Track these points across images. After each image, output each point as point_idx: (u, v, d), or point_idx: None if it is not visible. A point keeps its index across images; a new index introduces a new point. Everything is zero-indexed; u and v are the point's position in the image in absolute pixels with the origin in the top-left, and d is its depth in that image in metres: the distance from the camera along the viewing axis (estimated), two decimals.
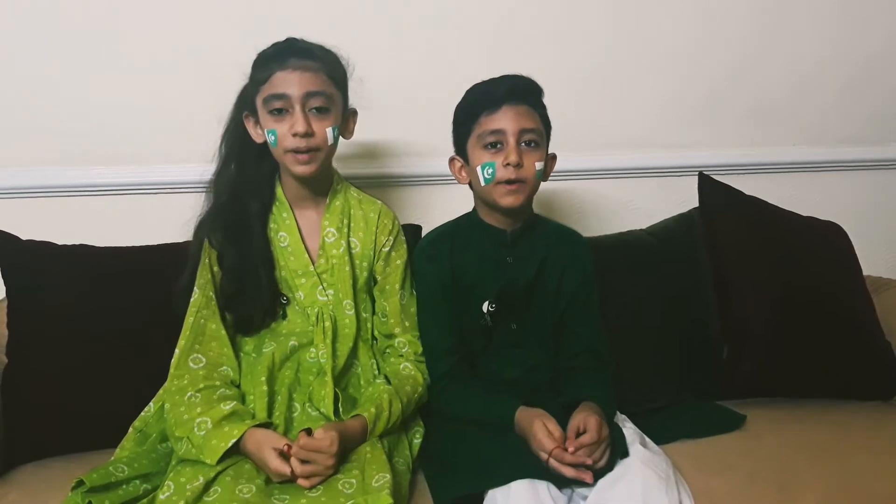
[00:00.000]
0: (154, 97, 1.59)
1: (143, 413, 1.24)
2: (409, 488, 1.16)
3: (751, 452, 1.28)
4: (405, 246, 1.37)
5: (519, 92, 1.27)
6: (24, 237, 1.38)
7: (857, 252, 1.67)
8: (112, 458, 1.17)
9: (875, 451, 1.31)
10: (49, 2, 1.53)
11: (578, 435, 1.11)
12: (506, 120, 1.25)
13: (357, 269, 1.32)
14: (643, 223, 1.75)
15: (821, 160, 1.99)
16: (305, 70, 1.20)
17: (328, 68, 1.23)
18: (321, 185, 1.32)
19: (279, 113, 1.21)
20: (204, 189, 1.30)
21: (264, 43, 1.25)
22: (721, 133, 1.93)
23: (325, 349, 1.24)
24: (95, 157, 1.59)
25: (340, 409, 1.20)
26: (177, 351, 1.20)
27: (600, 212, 1.88)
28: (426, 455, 1.25)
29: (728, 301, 1.56)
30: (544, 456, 1.10)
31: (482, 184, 1.28)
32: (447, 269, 1.33)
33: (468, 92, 1.32)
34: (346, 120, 1.30)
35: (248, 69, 1.25)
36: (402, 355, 1.32)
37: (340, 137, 1.28)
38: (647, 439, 1.23)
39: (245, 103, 1.27)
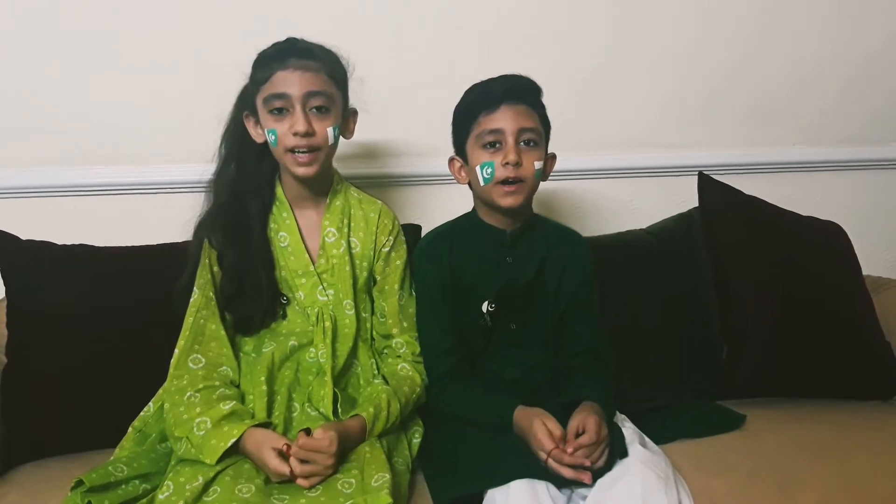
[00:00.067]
0: (154, 97, 1.59)
1: (142, 413, 1.24)
2: (408, 488, 1.16)
3: (751, 452, 1.28)
4: (405, 246, 1.37)
5: (517, 91, 1.27)
6: (23, 237, 1.38)
7: (856, 252, 1.67)
8: (111, 457, 1.17)
9: (875, 451, 1.30)
10: (49, 2, 1.53)
11: (578, 435, 1.11)
12: (504, 119, 1.25)
13: (357, 269, 1.32)
14: (643, 223, 1.75)
15: (821, 160, 1.99)
16: (306, 70, 1.20)
17: (328, 68, 1.24)
18: (321, 185, 1.32)
19: (279, 112, 1.21)
20: (204, 189, 1.30)
21: (264, 43, 1.25)
22: (721, 133, 1.93)
23: (324, 349, 1.24)
24: (95, 157, 1.59)
25: (339, 410, 1.20)
26: (176, 351, 1.20)
27: (600, 212, 1.88)
28: (426, 455, 1.25)
29: (728, 301, 1.56)
30: (543, 456, 1.10)
31: (481, 183, 1.28)
32: (447, 269, 1.33)
33: (467, 92, 1.32)
34: (346, 120, 1.30)
35: (248, 69, 1.25)
36: (399, 356, 1.32)
37: (341, 137, 1.28)
38: (647, 439, 1.23)
39: (245, 103, 1.27)
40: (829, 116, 1.98)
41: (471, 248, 1.35)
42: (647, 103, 1.86)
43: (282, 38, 1.25)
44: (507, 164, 1.24)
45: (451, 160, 1.37)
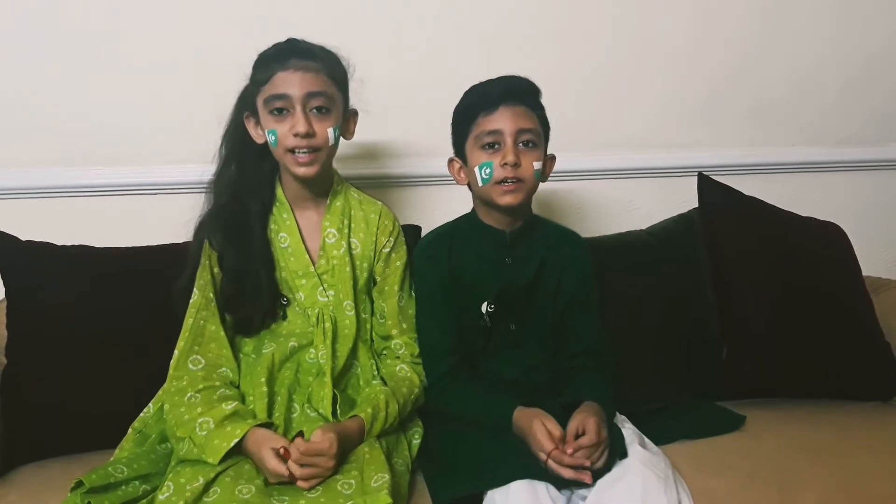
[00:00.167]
0: (154, 97, 1.59)
1: (142, 414, 1.24)
2: (408, 489, 1.16)
3: (750, 452, 1.28)
4: (405, 247, 1.37)
5: (516, 92, 1.28)
6: (23, 238, 1.38)
7: (856, 252, 1.67)
8: (111, 458, 1.17)
9: (875, 451, 1.31)
10: (49, 2, 1.52)
11: (577, 436, 1.11)
12: (503, 120, 1.25)
13: (357, 270, 1.32)
14: (643, 223, 1.75)
15: (821, 160, 1.99)
16: (307, 70, 1.20)
17: (329, 69, 1.24)
18: (322, 185, 1.32)
19: (280, 113, 1.21)
20: (204, 190, 1.30)
21: (264, 43, 1.25)
22: (721, 133, 1.93)
23: (324, 350, 1.24)
24: (95, 158, 1.59)
25: (338, 411, 1.20)
26: (176, 352, 1.20)
27: (600, 212, 1.88)
28: (425, 455, 1.25)
29: (728, 301, 1.56)
30: (543, 457, 1.10)
31: (480, 184, 1.28)
32: (446, 269, 1.33)
33: (466, 93, 1.32)
34: (346, 120, 1.30)
35: (248, 69, 1.25)
36: (398, 357, 1.32)
37: (341, 138, 1.28)
38: (647, 440, 1.23)
39: (245, 104, 1.27)
40: (829, 116, 1.98)
41: (470, 248, 1.35)
42: (647, 103, 1.86)
43: (282, 38, 1.25)
44: (505, 164, 1.24)
45: (450, 161, 1.37)
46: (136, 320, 1.35)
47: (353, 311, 1.29)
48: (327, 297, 1.29)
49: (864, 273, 1.67)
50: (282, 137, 1.21)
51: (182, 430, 1.11)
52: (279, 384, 1.22)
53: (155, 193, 1.63)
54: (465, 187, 1.37)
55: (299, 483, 1.04)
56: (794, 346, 1.50)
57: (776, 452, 1.28)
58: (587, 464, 1.09)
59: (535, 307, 1.35)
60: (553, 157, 1.36)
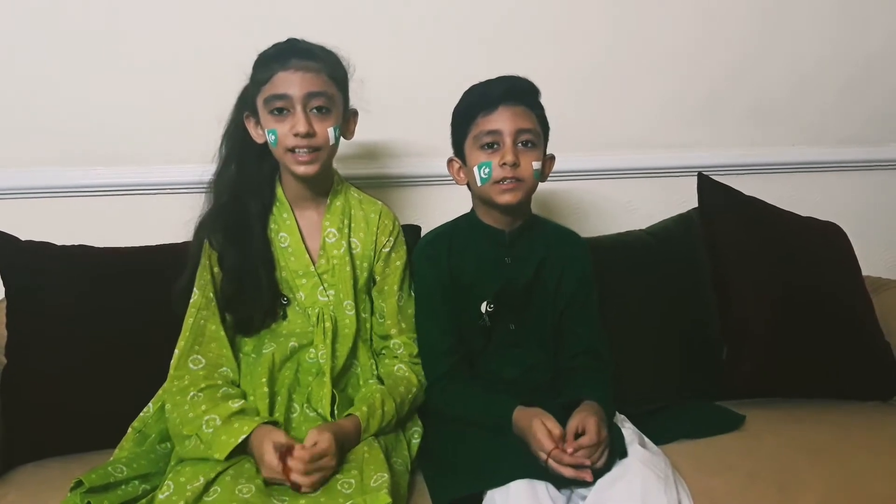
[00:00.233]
0: (154, 97, 1.59)
1: (141, 414, 1.24)
2: (407, 488, 1.16)
3: (750, 452, 1.28)
4: (405, 247, 1.37)
5: (515, 92, 1.28)
6: (23, 238, 1.38)
7: (856, 252, 1.67)
8: (111, 458, 1.17)
9: (875, 451, 1.31)
10: (49, 2, 1.53)
11: (577, 436, 1.11)
12: (502, 120, 1.25)
13: (357, 270, 1.32)
14: (643, 223, 1.75)
15: (820, 160, 1.99)
16: (307, 70, 1.20)
17: (329, 69, 1.24)
18: (322, 185, 1.32)
19: (280, 113, 1.21)
20: (204, 190, 1.30)
21: (264, 43, 1.25)
22: (721, 133, 1.93)
23: (324, 350, 1.24)
24: (95, 158, 1.59)
25: (336, 411, 1.19)
26: (176, 352, 1.20)
27: (600, 212, 1.88)
28: (425, 455, 1.25)
29: (728, 301, 1.56)
30: (543, 456, 1.10)
31: (479, 184, 1.28)
32: (446, 269, 1.33)
33: (465, 93, 1.32)
34: (346, 120, 1.30)
35: (248, 69, 1.25)
36: (396, 357, 1.32)
37: (341, 138, 1.28)
38: (646, 439, 1.23)
39: (245, 104, 1.27)
40: (829, 116, 1.98)
41: (470, 248, 1.35)
42: (647, 103, 1.86)
43: (282, 38, 1.25)
44: (504, 164, 1.24)
45: (449, 161, 1.37)
46: (136, 320, 1.35)
47: (354, 311, 1.29)
48: (327, 296, 1.29)
49: (864, 273, 1.67)
50: (282, 137, 1.21)
51: (188, 428, 1.11)
52: (279, 384, 1.22)
53: (155, 193, 1.63)
54: (465, 187, 1.37)
55: (304, 488, 1.04)
56: (794, 346, 1.50)
57: (776, 452, 1.28)
58: (587, 463, 1.08)
59: (534, 307, 1.35)
60: (552, 157, 1.36)
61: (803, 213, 1.69)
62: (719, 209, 1.62)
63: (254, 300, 1.25)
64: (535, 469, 1.09)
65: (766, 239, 1.58)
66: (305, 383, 1.24)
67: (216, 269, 1.26)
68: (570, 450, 1.08)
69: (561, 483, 1.09)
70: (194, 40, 1.58)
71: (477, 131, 1.28)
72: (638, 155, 1.87)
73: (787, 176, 1.97)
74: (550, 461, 1.09)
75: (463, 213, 1.41)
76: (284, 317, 1.28)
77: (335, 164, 1.35)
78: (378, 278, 1.34)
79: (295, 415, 1.20)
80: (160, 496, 1.01)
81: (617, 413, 1.29)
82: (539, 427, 1.12)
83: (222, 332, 1.23)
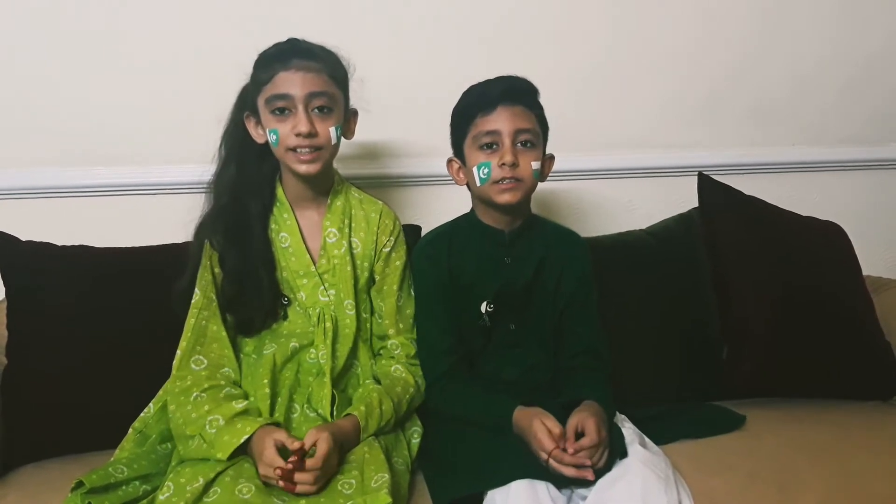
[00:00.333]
0: (154, 97, 1.59)
1: (142, 414, 1.24)
2: (408, 488, 1.16)
3: (751, 452, 1.28)
4: (405, 247, 1.37)
5: (514, 93, 1.28)
6: (23, 238, 1.38)
7: (856, 252, 1.67)
8: (111, 459, 1.17)
9: (875, 451, 1.31)
10: (49, 2, 1.52)
11: (577, 435, 1.11)
12: (501, 121, 1.25)
13: (358, 270, 1.32)
14: (643, 223, 1.75)
15: (820, 160, 1.99)
16: (308, 70, 1.20)
17: (330, 69, 1.24)
18: (322, 185, 1.32)
19: (282, 113, 1.21)
20: (204, 190, 1.30)
21: (264, 43, 1.25)
22: (721, 133, 1.92)
23: (325, 350, 1.24)
24: (95, 158, 1.59)
25: (336, 411, 1.19)
26: (178, 352, 1.20)
27: (600, 212, 1.87)
28: (425, 455, 1.25)
29: (728, 301, 1.56)
30: (544, 456, 1.10)
31: (478, 184, 1.28)
32: (445, 269, 1.33)
33: (464, 94, 1.32)
34: (346, 120, 1.30)
35: (248, 69, 1.25)
36: (393, 357, 1.32)
37: (342, 138, 1.28)
38: (647, 439, 1.23)
39: (245, 104, 1.27)
40: (829, 116, 1.98)
41: (469, 248, 1.35)
42: (647, 103, 1.86)
43: (282, 38, 1.25)
44: (503, 164, 1.24)
45: (449, 161, 1.37)
46: (136, 320, 1.35)
47: (354, 311, 1.29)
48: (328, 296, 1.29)
49: (865, 273, 1.67)
50: (283, 137, 1.21)
51: (191, 429, 1.11)
52: (280, 384, 1.22)
53: (155, 194, 1.63)
54: (465, 187, 1.37)
55: (307, 488, 1.03)
56: (794, 346, 1.50)
57: (776, 452, 1.28)
58: (588, 463, 1.08)
59: (534, 307, 1.35)
60: (552, 157, 1.36)
61: (803, 212, 1.69)
62: (719, 209, 1.62)
63: (255, 301, 1.25)
64: (536, 469, 1.09)
65: (766, 239, 1.58)
66: (306, 384, 1.24)
67: (217, 270, 1.26)
68: (570, 450, 1.08)
69: (561, 483, 1.09)
70: (194, 40, 1.58)
71: (476, 131, 1.28)
72: (638, 155, 1.87)
73: (786, 176, 1.97)
74: (551, 461, 1.09)
75: (463, 213, 1.41)
76: (285, 317, 1.28)
77: (335, 164, 1.35)
78: (378, 278, 1.34)
79: (295, 415, 1.20)
80: (160, 497, 1.01)
81: (617, 413, 1.28)
82: (539, 427, 1.12)
83: (224, 333, 1.24)
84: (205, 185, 1.30)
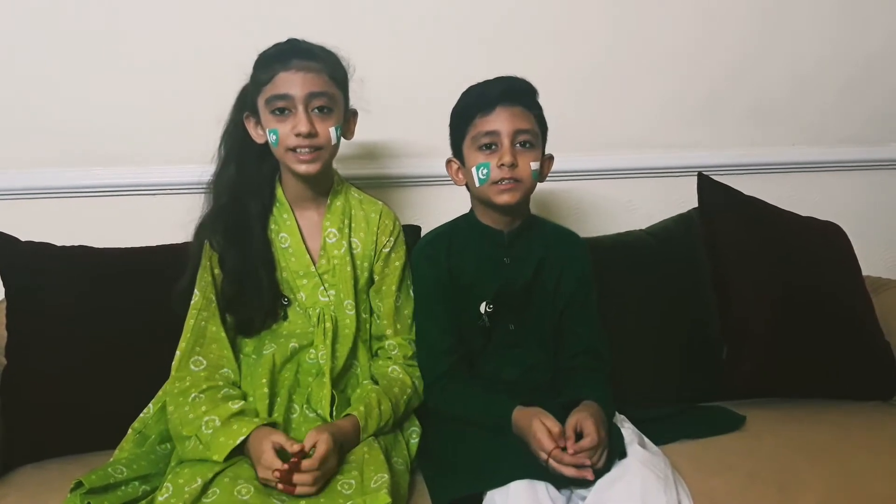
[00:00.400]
0: (154, 97, 1.59)
1: (141, 415, 1.24)
2: (407, 488, 1.16)
3: (750, 453, 1.28)
4: (405, 248, 1.37)
5: (513, 93, 1.28)
6: (23, 238, 1.38)
7: (856, 252, 1.67)
8: (111, 459, 1.17)
9: (875, 451, 1.31)
10: (49, 2, 1.53)
11: (577, 435, 1.11)
12: (500, 121, 1.25)
13: (358, 270, 1.32)
14: (642, 223, 1.75)
15: (820, 160, 1.99)
16: (308, 71, 1.20)
17: (330, 69, 1.24)
18: (322, 185, 1.32)
19: (282, 113, 1.21)
20: (203, 190, 1.30)
21: (264, 43, 1.25)
22: (721, 133, 1.92)
23: (324, 350, 1.24)
24: (95, 158, 1.59)
25: (335, 412, 1.19)
26: (178, 353, 1.20)
27: (600, 212, 1.87)
28: (425, 455, 1.25)
29: (728, 301, 1.56)
30: (544, 456, 1.10)
31: (477, 184, 1.28)
32: (445, 269, 1.33)
33: (463, 94, 1.32)
34: (346, 121, 1.30)
35: (248, 69, 1.25)
36: (390, 358, 1.32)
37: (342, 138, 1.28)
38: (646, 440, 1.23)
39: (245, 104, 1.27)
40: (829, 116, 1.98)
41: (469, 248, 1.35)
42: (647, 103, 1.86)
43: (282, 38, 1.25)
44: (502, 165, 1.24)
45: (448, 162, 1.37)
46: (136, 320, 1.35)
47: (354, 311, 1.29)
48: (328, 296, 1.29)
49: (864, 273, 1.67)
50: (283, 137, 1.21)
51: (188, 429, 1.11)
52: (280, 385, 1.22)
53: (154, 194, 1.63)
54: (464, 188, 1.37)
55: (306, 489, 1.03)
56: (793, 346, 1.50)
57: (776, 452, 1.28)
58: (588, 463, 1.08)
59: (534, 307, 1.35)
60: (551, 157, 1.36)
61: (803, 212, 1.69)
62: (719, 209, 1.62)
63: (254, 301, 1.25)
64: (535, 469, 1.09)
65: (765, 239, 1.58)
66: (305, 384, 1.24)
67: (217, 271, 1.26)
68: (570, 450, 1.08)
69: (561, 483, 1.09)
70: (194, 40, 1.58)
71: (475, 132, 1.28)
72: (638, 155, 1.87)
73: (786, 176, 1.97)
74: (551, 461, 1.09)
75: (462, 214, 1.41)
76: (285, 317, 1.28)
77: (335, 165, 1.35)
78: (377, 278, 1.34)
79: (295, 416, 1.20)
80: (159, 498, 1.01)
81: (616, 413, 1.28)
82: (539, 427, 1.12)
83: (223, 334, 1.24)
84: (204, 186, 1.30)
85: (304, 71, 1.20)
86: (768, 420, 1.40)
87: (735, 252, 1.57)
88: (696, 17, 1.83)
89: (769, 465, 1.25)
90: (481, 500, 1.10)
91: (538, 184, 1.32)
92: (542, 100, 1.32)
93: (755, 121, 1.94)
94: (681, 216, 1.71)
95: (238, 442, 1.08)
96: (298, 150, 1.21)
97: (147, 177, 1.61)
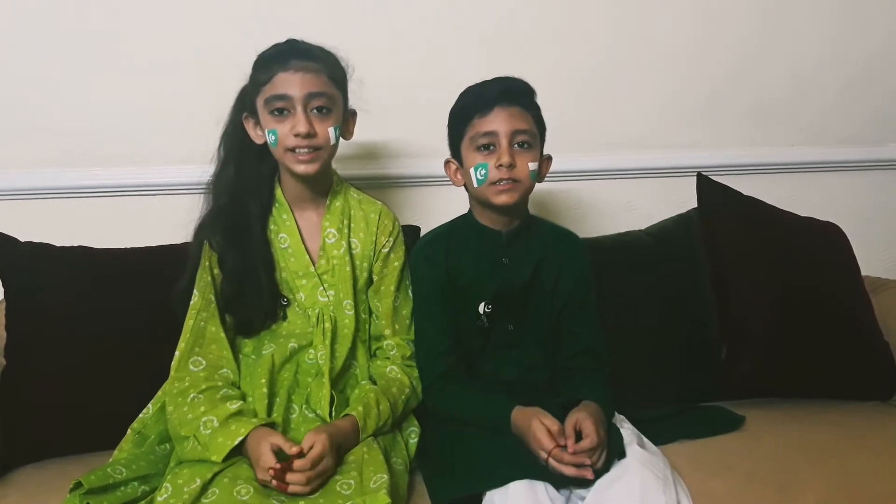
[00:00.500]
0: (154, 97, 1.59)
1: (141, 415, 1.24)
2: (406, 489, 1.16)
3: (750, 453, 1.28)
4: (404, 248, 1.37)
5: (511, 93, 1.28)
6: (23, 239, 1.38)
7: (855, 252, 1.67)
8: (110, 459, 1.17)
9: (875, 451, 1.31)
10: (49, 2, 1.53)
11: (576, 435, 1.11)
12: (498, 122, 1.25)
13: (357, 270, 1.32)
14: (642, 224, 1.75)
15: (820, 160, 1.99)
16: (307, 71, 1.20)
17: (329, 69, 1.24)
18: (321, 185, 1.32)
19: (281, 113, 1.21)
20: (203, 191, 1.30)
21: (264, 43, 1.25)
22: (720, 133, 1.92)
23: (324, 350, 1.24)
24: (95, 158, 1.59)
25: (334, 412, 1.19)
26: (177, 353, 1.20)
27: (599, 212, 1.87)
28: (424, 456, 1.25)
29: (727, 301, 1.56)
30: (543, 455, 1.10)
31: (475, 185, 1.28)
32: (443, 269, 1.33)
33: (461, 95, 1.32)
34: (345, 121, 1.30)
35: (247, 69, 1.25)
36: (388, 358, 1.32)
37: (341, 138, 1.28)
38: (645, 440, 1.23)
39: (244, 104, 1.28)
40: (829, 116, 1.98)
41: (467, 249, 1.35)
42: (647, 103, 1.86)
43: (282, 38, 1.25)
44: (500, 165, 1.24)
45: (446, 163, 1.37)
46: (136, 320, 1.35)
47: (353, 311, 1.29)
48: (327, 297, 1.29)
49: (864, 273, 1.68)
50: (282, 137, 1.21)
51: (186, 430, 1.11)
52: (279, 385, 1.22)
53: (154, 194, 1.63)
54: (463, 188, 1.37)
55: (299, 488, 1.03)
56: (793, 346, 1.50)
57: (775, 452, 1.28)
58: (588, 463, 1.08)
59: (532, 307, 1.35)
60: (549, 158, 1.36)
61: (802, 213, 1.69)
62: (718, 209, 1.62)
63: (254, 301, 1.25)
64: (535, 469, 1.09)
65: (765, 239, 1.58)
66: (304, 384, 1.24)
67: (216, 271, 1.26)
68: (570, 450, 1.08)
69: (560, 483, 1.09)
70: (194, 40, 1.58)
71: (473, 133, 1.28)
72: (638, 155, 1.87)
73: (786, 176, 1.97)
74: (551, 460, 1.09)
75: (461, 214, 1.41)
76: (284, 318, 1.28)
77: (334, 165, 1.35)
78: (375, 278, 1.34)
79: (294, 416, 1.20)
80: (158, 498, 1.01)
81: (616, 413, 1.28)
82: (538, 426, 1.12)
83: (222, 334, 1.24)
84: (204, 186, 1.30)
85: (303, 71, 1.20)
86: (767, 420, 1.40)
87: (734, 252, 1.57)
88: (696, 17, 1.83)
89: (768, 465, 1.25)
90: (480, 501, 1.10)
91: (537, 184, 1.32)
92: (541, 100, 1.32)
93: (755, 121, 1.94)
94: (680, 216, 1.71)
95: (236, 442, 1.08)
96: (297, 150, 1.21)
97: (147, 177, 1.61)
